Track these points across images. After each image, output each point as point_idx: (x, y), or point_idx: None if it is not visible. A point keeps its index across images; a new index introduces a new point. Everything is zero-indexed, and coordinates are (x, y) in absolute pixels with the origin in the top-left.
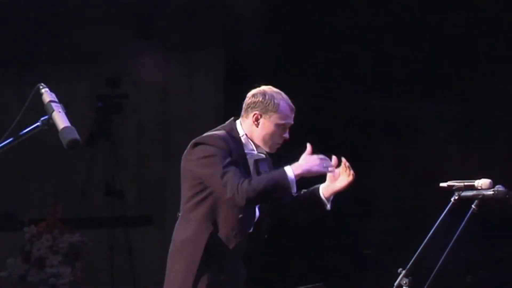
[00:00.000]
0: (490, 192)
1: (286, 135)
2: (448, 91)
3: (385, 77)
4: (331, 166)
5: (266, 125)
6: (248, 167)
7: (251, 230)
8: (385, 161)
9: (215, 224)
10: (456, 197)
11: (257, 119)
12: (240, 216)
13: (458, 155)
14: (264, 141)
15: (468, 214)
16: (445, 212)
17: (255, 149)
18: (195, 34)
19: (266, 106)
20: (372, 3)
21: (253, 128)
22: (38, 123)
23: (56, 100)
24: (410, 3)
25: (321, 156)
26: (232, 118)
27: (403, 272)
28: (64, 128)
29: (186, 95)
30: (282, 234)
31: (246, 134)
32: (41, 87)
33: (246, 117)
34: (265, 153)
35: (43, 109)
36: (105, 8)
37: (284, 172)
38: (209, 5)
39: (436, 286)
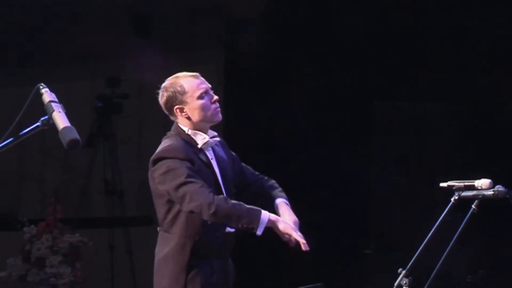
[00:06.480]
0: (490, 192)
1: (215, 97)
2: (449, 91)
3: (385, 77)
4: (294, 243)
5: (192, 108)
6: (209, 167)
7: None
8: (385, 161)
9: (195, 231)
10: (456, 197)
11: (182, 111)
12: None
13: (458, 155)
14: (204, 118)
15: (468, 214)
16: (445, 212)
17: (206, 136)
18: (195, 34)
19: (176, 97)
20: (372, 3)
21: (187, 121)
22: (38, 123)
23: (56, 100)
24: (410, 3)
25: (299, 233)
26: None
27: (403, 272)
28: (64, 128)
29: None
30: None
31: (189, 129)
32: (41, 87)
33: (175, 117)
34: (217, 136)
35: (43, 109)
36: (105, 8)
37: (260, 212)
38: (209, 5)
39: (436, 286)
